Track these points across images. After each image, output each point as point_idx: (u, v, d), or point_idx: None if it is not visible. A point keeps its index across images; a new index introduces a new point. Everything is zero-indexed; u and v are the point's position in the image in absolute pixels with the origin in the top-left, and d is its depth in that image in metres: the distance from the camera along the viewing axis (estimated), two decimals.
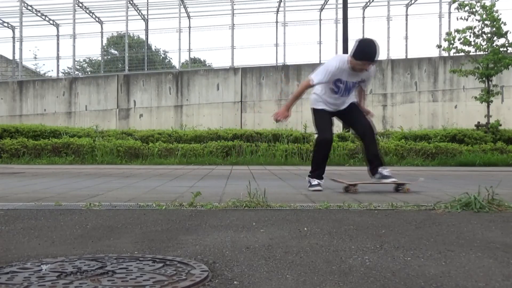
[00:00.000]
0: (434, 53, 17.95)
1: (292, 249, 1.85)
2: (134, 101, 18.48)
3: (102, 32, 21.50)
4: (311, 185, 4.45)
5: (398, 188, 4.30)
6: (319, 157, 4.58)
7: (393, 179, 4.35)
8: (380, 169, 4.40)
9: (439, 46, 15.65)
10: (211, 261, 1.65)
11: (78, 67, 31.30)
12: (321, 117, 4.58)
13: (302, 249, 1.85)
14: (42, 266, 1.55)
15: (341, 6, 14.47)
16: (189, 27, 20.41)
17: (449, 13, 18.92)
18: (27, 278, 1.41)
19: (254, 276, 1.46)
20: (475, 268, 1.56)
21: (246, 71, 18.29)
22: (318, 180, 4.47)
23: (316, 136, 4.72)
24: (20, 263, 1.60)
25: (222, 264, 1.61)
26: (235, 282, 1.40)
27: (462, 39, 12.61)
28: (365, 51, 4.15)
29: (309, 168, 4.73)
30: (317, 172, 4.53)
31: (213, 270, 1.53)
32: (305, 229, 2.29)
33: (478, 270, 1.53)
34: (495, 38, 12.48)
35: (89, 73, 32.73)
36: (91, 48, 22.92)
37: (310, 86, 4.42)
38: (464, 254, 1.78)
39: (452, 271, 1.53)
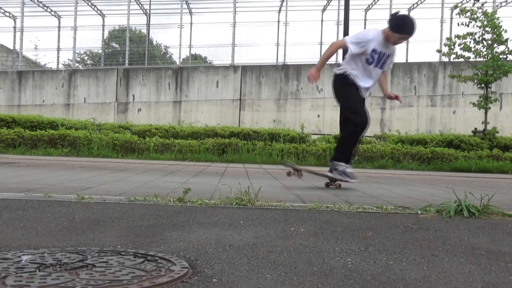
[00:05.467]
0: (435, 58, 17.95)
1: (276, 249, 1.84)
2: (133, 95, 18.46)
3: (103, 25, 21.45)
4: (341, 171, 4.52)
5: (330, 184, 4.71)
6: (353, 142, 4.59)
7: (353, 181, 4.59)
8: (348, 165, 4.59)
9: (439, 51, 15.65)
10: (193, 258, 1.65)
11: (78, 59, 31.25)
12: (356, 95, 4.45)
13: (286, 249, 1.84)
14: (22, 257, 1.54)
15: (343, 7, 14.44)
16: (191, 23, 20.38)
17: (451, 18, 18.92)
18: (5, 268, 1.40)
19: (234, 274, 1.46)
20: (456, 274, 1.56)
21: (246, 69, 18.27)
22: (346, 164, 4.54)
23: (352, 118, 4.50)
24: (1, 254, 1.59)
25: (204, 261, 1.61)
26: (214, 279, 1.40)
27: (463, 44, 12.62)
28: (407, 26, 4.36)
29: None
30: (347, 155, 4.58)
31: (194, 267, 1.53)
32: (292, 229, 2.28)
33: (459, 276, 1.53)
34: (495, 45, 12.49)
35: (89, 65, 32.69)
36: (92, 41, 22.82)
37: (343, 47, 4.43)
38: (448, 259, 1.77)
39: (433, 276, 1.52)
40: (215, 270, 1.50)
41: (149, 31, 22.02)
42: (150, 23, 21.55)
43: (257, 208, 2.95)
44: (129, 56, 19.59)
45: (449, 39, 13.15)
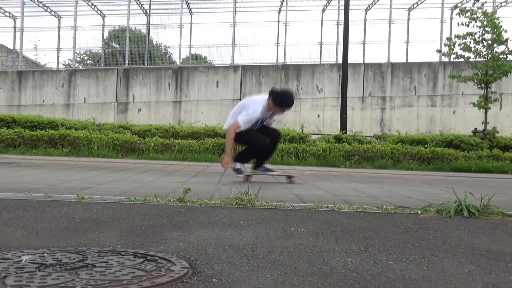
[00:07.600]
0: (435, 58, 17.94)
1: (276, 249, 1.84)
2: (133, 95, 18.46)
3: (103, 25, 21.43)
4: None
5: (290, 178, 5.44)
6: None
7: (276, 172, 5.66)
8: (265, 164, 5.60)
9: (439, 51, 15.65)
10: (193, 258, 1.65)
11: (78, 59, 31.25)
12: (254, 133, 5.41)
13: (286, 249, 1.84)
14: (22, 257, 1.54)
15: (343, 7, 14.45)
16: (191, 23, 20.38)
17: (451, 18, 18.92)
18: (5, 268, 1.40)
19: (234, 274, 1.46)
20: (456, 274, 1.56)
21: (246, 69, 18.27)
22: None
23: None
24: (1, 254, 1.59)
25: (204, 261, 1.61)
26: (214, 279, 1.40)
27: (463, 44, 12.62)
28: (286, 101, 5.36)
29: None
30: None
31: (194, 267, 1.53)
32: (292, 229, 2.28)
33: (459, 276, 1.53)
34: (495, 45, 12.48)
35: (89, 65, 32.69)
36: (92, 41, 22.75)
37: (238, 126, 5.25)
38: (448, 259, 1.77)
39: (432, 276, 1.52)
40: (215, 270, 1.50)
41: (149, 31, 22.02)
42: (150, 23, 21.54)
43: (257, 208, 2.95)
44: (129, 56, 19.58)
45: (449, 39, 13.14)
